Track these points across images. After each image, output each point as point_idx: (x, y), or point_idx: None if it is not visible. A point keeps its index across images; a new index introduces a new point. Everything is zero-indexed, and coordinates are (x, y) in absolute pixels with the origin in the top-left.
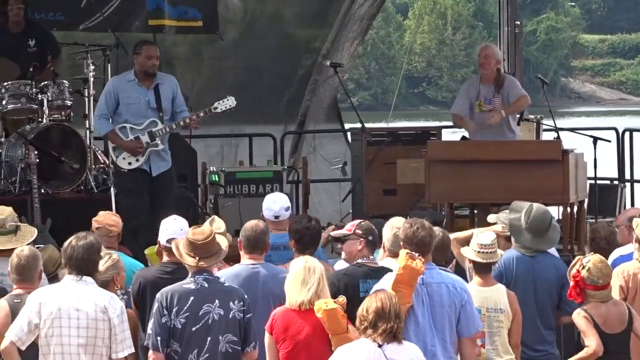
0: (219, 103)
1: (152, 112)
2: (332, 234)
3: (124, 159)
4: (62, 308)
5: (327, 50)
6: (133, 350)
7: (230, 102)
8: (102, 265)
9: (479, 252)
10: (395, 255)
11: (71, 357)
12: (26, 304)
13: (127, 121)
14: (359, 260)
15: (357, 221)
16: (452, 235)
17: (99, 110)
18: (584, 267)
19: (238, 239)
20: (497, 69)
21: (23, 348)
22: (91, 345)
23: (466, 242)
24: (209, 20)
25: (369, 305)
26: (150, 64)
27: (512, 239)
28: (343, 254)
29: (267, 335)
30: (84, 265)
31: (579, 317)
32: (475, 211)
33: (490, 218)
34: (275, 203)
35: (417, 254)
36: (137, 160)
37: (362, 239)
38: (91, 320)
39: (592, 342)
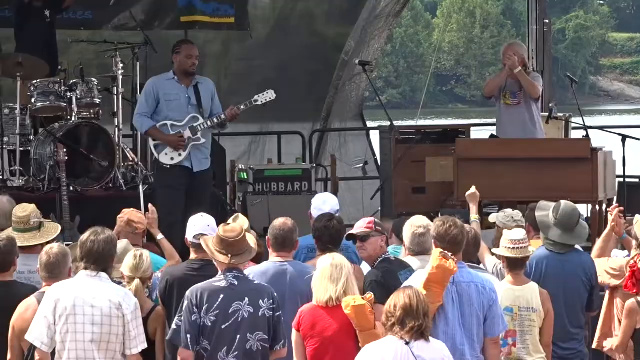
0: (259, 96)
1: (193, 109)
2: (352, 232)
3: (166, 154)
4: (77, 304)
5: (351, 47)
6: (145, 346)
7: (269, 95)
8: (145, 264)
9: (511, 248)
10: (415, 254)
11: (85, 353)
12: (42, 303)
13: (167, 118)
14: (384, 256)
15: (369, 219)
16: None
17: (140, 109)
18: None
19: (267, 237)
20: (524, 65)
21: (50, 351)
22: (105, 342)
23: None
24: (241, 16)
25: (396, 302)
26: (190, 63)
27: (542, 235)
28: (363, 252)
29: (294, 332)
30: (103, 260)
31: (630, 307)
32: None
33: (491, 218)
34: (326, 204)
35: (450, 253)
36: (180, 155)
37: (383, 236)
38: (105, 317)
39: (616, 341)
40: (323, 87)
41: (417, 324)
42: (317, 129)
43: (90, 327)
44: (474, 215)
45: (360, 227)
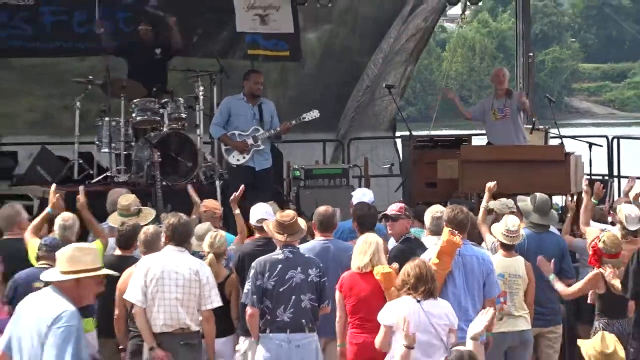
0: (306, 114)
1: (256, 122)
2: (387, 213)
3: (233, 156)
4: (164, 270)
5: (372, 70)
6: (218, 304)
7: (314, 113)
8: (218, 242)
9: (507, 235)
10: (434, 233)
11: (171, 309)
12: (136, 270)
13: (236, 128)
14: (407, 235)
15: (400, 204)
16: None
17: (215, 120)
18: (600, 240)
19: (312, 222)
20: (507, 89)
21: (145, 306)
22: (186, 300)
23: (483, 219)
24: (294, 50)
25: (409, 271)
26: (256, 88)
27: (523, 219)
28: (392, 229)
29: (337, 293)
30: (184, 238)
31: (595, 275)
32: None
33: (490, 205)
34: (365, 196)
35: (456, 232)
36: (244, 157)
37: (409, 219)
38: (186, 280)
39: (576, 287)
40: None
41: (427, 287)
42: (353, 137)
43: (175, 289)
44: (484, 203)
45: (393, 210)
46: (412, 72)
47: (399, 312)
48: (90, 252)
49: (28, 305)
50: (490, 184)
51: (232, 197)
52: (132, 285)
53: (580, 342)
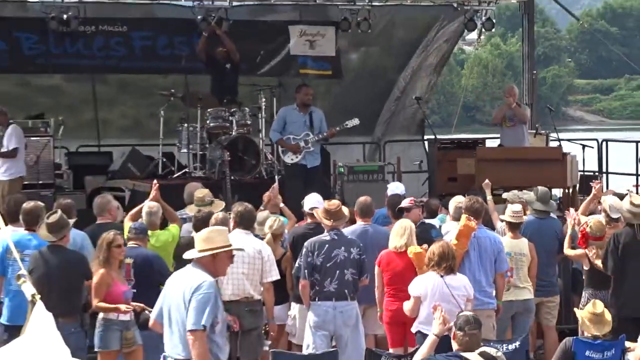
0: (348, 121)
1: (307, 128)
2: (401, 206)
3: (288, 156)
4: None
5: (401, 84)
6: (277, 277)
7: (355, 121)
8: (276, 225)
9: (512, 216)
10: (456, 219)
11: (238, 281)
12: None
13: (290, 133)
14: (422, 221)
15: (409, 198)
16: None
17: (273, 127)
18: (587, 225)
19: (354, 209)
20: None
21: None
22: (251, 274)
23: (493, 209)
24: (335, 70)
25: (434, 250)
26: (306, 98)
27: (528, 207)
28: (409, 218)
29: (376, 267)
30: (250, 223)
31: (581, 253)
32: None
33: (504, 195)
34: (398, 188)
35: (472, 218)
36: (297, 157)
37: (420, 208)
38: (251, 258)
39: (572, 252)
40: (388, 113)
41: (448, 264)
42: (388, 140)
43: (241, 265)
44: (489, 197)
45: (405, 202)
46: (435, 85)
47: (426, 284)
48: (222, 233)
49: (175, 280)
50: (485, 182)
51: (271, 195)
52: None
53: (576, 310)
